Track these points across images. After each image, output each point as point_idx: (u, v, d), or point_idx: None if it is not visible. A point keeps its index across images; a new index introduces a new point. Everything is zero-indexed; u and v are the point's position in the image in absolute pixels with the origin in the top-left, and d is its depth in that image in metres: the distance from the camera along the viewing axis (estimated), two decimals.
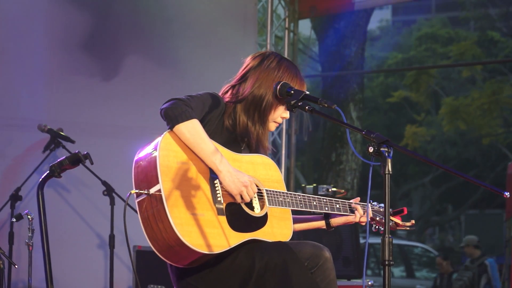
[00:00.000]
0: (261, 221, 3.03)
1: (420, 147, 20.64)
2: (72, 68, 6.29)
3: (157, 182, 2.79)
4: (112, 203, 5.56)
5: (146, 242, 4.41)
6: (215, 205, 2.90)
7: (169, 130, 2.90)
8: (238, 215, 2.96)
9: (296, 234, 3.24)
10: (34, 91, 6.12)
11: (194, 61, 6.86)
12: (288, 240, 3.08)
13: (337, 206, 3.28)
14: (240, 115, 3.11)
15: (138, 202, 2.86)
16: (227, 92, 3.17)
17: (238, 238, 2.92)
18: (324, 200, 3.25)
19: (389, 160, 2.69)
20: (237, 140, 3.16)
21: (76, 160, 3.11)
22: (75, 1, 6.34)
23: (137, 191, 2.82)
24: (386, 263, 2.66)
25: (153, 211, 2.81)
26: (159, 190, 2.77)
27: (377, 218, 3.36)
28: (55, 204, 5.97)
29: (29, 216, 4.61)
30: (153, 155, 2.84)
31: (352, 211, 3.31)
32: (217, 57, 6.75)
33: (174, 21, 6.85)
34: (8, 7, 6.05)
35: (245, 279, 2.91)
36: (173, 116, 2.86)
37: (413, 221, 3.39)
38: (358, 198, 3.39)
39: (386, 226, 2.67)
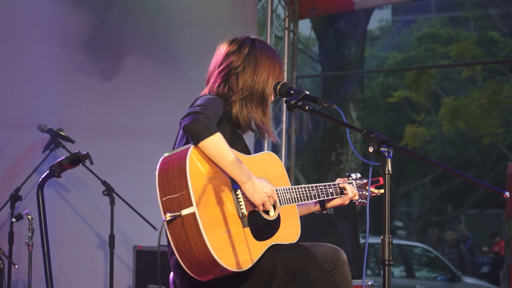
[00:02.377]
0: (276, 224, 3.04)
1: (420, 147, 20.64)
2: (72, 68, 6.28)
3: (190, 204, 2.74)
4: (112, 203, 5.55)
5: (146, 242, 4.39)
6: (240, 218, 2.89)
7: (193, 145, 2.83)
8: (258, 222, 2.96)
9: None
10: (34, 91, 6.12)
11: (194, 61, 6.84)
12: (298, 237, 3.10)
13: (330, 190, 3.31)
14: (243, 109, 3.11)
15: (170, 223, 2.78)
16: (219, 86, 3.13)
17: (261, 248, 2.92)
18: (320, 187, 3.27)
19: (389, 160, 2.69)
20: (237, 133, 3.16)
21: (76, 160, 3.12)
22: (75, 1, 6.34)
23: (171, 215, 2.73)
24: (386, 263, 2.66)
25: (187, 233, 2.75)
26: (193, 213, 2.73)
27: (361, 193, 3.41)
28: (55, 204, 5.97)
29: (29, 216, 4.60)
30: (182, 174, 2.77)
31: (342, 192, 3.34)
32: None
33: (174, 21, 6.85)
34: (8, 7, 6.05)
35: (267, 283, 2.91)
36: (198, 132, 2.80)
37: (382, 190, 3.37)
38: (345, 179, 3.41)
39: (386, 226, 2.67)
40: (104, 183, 5.56)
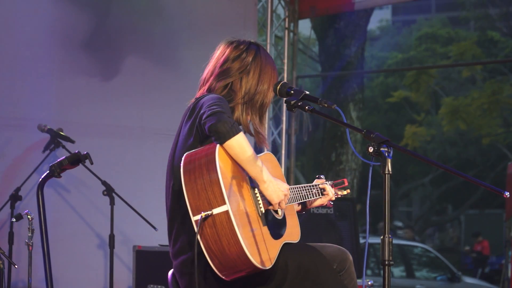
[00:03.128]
0: (284, 223, 3.09)
1: (420, 147, 20.64)
2: (72, 68, 6.28)
3: (223, 203, 2.74)
4: (112, 203, 5.55)
5: (146, 242, 4.40)
6: (260, 216, 2.92)
7: (219, 145, 2.83)
8: (272, 221, 3.00)
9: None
10: (34, 91, 6.11)
11: (194, 61, 6.82)
12: (299, 235, 3.15)
13: (314, 191, 3.36)
14: (244, 113, 3.12)
15: (196, 221, 2.77)
16: (220, 87, 3.13)
17: (277, 246, 2.95)
18: (307, 188, 3.32)
19: (389, 160, 2.68)
20: None
21: (76, 160, 3.12)
22: (76, 1, 6.34)
23: (205, 213, 2.73)
24: (386, 263, 2.66)
25: (217, 230, 2.75)
26: (227, 211, 2.74)
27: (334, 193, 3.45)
28: (55, 204, 5.97)
29: (29, 216, 4.59)
30: (212, 173, 2.78)
31: (322, 192, 3.38)
32: None
33: (174, 21, 6.85)
34: (8, 7, 6.05)
35: (280, 283, 2.93)
36: (225, 131, 2.80)
37: (348, 190, 3.52)
38: (322, 180, 3.43)
39: (386, 226, 2.67)
40: (104, 183, 5.56)
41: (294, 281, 2.92)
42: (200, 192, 2.79)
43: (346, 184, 3.48)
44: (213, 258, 2.76)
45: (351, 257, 3.13)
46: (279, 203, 2.94)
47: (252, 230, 2.83)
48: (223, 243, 2.74)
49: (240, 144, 2.82)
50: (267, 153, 3.22)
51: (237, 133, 2.82)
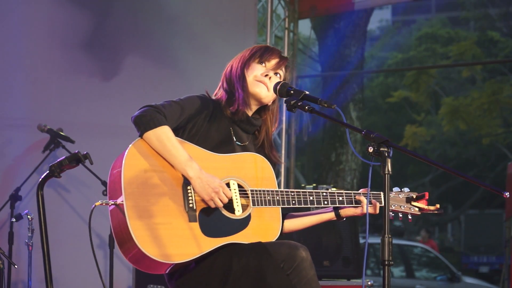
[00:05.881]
0: (243, 223, 3.00)
1: (420, 147, 20.64)
2: (72, 68, 6.28)
3: (121, 194, 2.82)
4: None
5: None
6: (187, 212, 2.89)
7: (139, 137, 2.92)
8: (214, 219, 2.94)
9: (297, 234, 3.24)
10: (34, 91, 6.12)
11: (194, 61, 6.85)
12: (272, 239, 3.04)
13: (340, 198, 3.18)
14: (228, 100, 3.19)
15: (110, 211, 2.92)
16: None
17: (211, 244, 2.89)
18: (324, 193, 3.16)
19: (388, 160, 2.68)
20: (230, 137, 3.14)
21: (76, 160, 3.11)
22: (76, 1, 6.34)
23: (101, 202, 2.91)
24: (386, 263, 2.66)
25: (119, 222, 2.85)
26: (122, 204, 2.81)
27: (392, 207, 3.24)
28: (55, 204, 5.97)
29: (28, 216, 4.61)
30: (119, 166, 2.89)
31: (358, 202, 3.20)
32: (217, 57, 6.74)
33: (174, 21, 6.85)
34: (8, 7, 6.05)
35: (223, 282, 2.91)
36: (141, 123, 2.89)
37: (437, 205, 3.26)
38: (366, 189, 3.20)
39: (386, 226, 2.66)
40: (104, 183, 5.56)
41: (237, 280, 2.89)
42: (111, 185, 2.94)
43: (427, 197, 3.23)
44: (124, 252, 2.88)
45: (303, 254, 2.92)
46: (212, 200, 2.91)
47: (164, 224, 2.83)
48: (124, 235, 2.83)
49: (157, 137, 2.88)
50: (248, 154, 3.13)
51: (155, 126, 2.87)
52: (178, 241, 2.84)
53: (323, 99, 2.94)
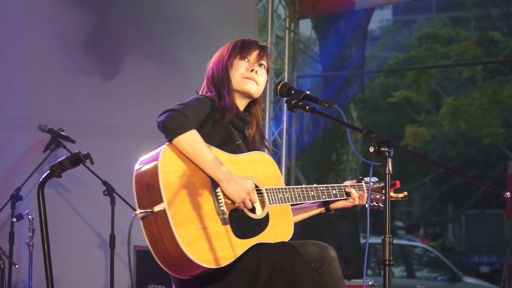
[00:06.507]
0: (264, 223, 3.03)
1: (421, 147, 20.63)
2: (73, 68, 6.29)
3: (161, 201, 2.77)
4: (113, 203, 5.56)
5: (146, 242, 4.35)
6: (219, 215, 2.89)
7: (168, 143, 2.88)
8: (241, 221, 2.95)
9: (297, 234, 3.24)
10: (34, 91, 6.12)
11: (194, 61, 6.83)
12: (290, 236, 3.08)
13: (334, 192, 3.27)
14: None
15: (143, 219, 2.84)
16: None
17: (243, 245, 2.91)
18: (321, 188, 3.24)
19: (389, 160, 2.69)
20: (232, 133, 3.16)
21: (76, 160, 3.10)
22: (76, 1, 6.34)
23: (142, 211, 2.79)
24: (387, 263, 2.66)
25: (159, 229, 2.79)
26: (164, 210, 2.76)
27: (373, 196, 3.37)
28: (56, 204, 5.97)
29: (29, 216, 4.61)
30: (154, 171, 2.81)
31: (348, 194, 3.30)
32: None
33: (174, 21, 6.85)
34: (8, 7, 6.05)
35: (252, 283, 2.90)
36: (171, 128, 2.84)
37: (405, 193, 3.42)
38: (354, 181, 3.38)
39: (386, 226, 2.66)
40: (105, 183, 5.56)
41: (267, 280, 2.88)
42: (144, 191, 2.83)
43: (398, 186, 3.35)
44: (159, 256, 2.81)
45: (333, 253, 3.02)
46: (243, 203, 2.92)
47: (204, 229, 2.81)
48: (164, 240, 2.77)
49: (188, 141, 2.84)
50: (256, 153, 3.16)
51: (186, 130, 2.84)
52: (218, 245, 2.83)
53: (323, 99, 2.95)
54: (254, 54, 3.20)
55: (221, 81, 3.15)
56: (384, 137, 2.72)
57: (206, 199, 2.88)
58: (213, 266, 2.79)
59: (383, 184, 3.36)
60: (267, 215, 3.05)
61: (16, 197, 5.44)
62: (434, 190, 23.78)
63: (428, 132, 20.27)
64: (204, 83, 3.25)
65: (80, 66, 6.30)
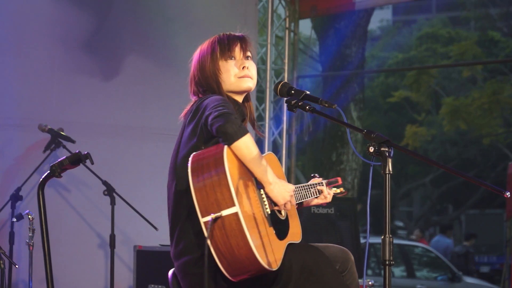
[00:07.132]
0: (287, 224, 3.07)
1: (421, 147, 20.64)
2: (73, 68, 6.28)
3: (232, 204, 2.71)
4: (113, 203, 5.56)
5: (146, 242, 4.37)
6: (265, 217, 2.89)
7: (227, 146, 2.80)
8: (276, 222, 2.98)
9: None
10: (34, 91, 6.12)
11: None
12: (301, 237, 3.14)
13: (312, 190, 3.37)
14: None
15: (205, 222, 2.75)
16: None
17: (282, 247, 2.93)
18: (306, 187, 3.33)
19: (389, 160, 2.69)
20: None
21: (76, 160, 3.11)
22: (76, 1, 6.34)
23: (215, 215, 2.70)
24: (387, 263, 2.66)
25: (226, 232, 2.73)
26: (236, 213, 2.71)
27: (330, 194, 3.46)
28: (56, 204, 5.97)
29: (29, 216, 4.60)
30: (221, 174, 2.75)
31: (320, 192, 3.39)
32: None
33: (174, 21, 6.84)
34: (8, 7, 6.05)
35: (285, 283, 2.91)
36: (233, 132, 2.77)
37: (342, 189, 3.51)
38: (320, 179, 3.44)
39: (387, 225, 2.67)
40: (105, 183, 5.56)
41: (298, 282, 2.90)
42: (208, 193, 2.76)
43: (340, 182, 3.46)
44: (221, 259, 2.75)
45: (352, 258, 3.14)
46: (285, 204, 2.93)
47: (259, 232, 2.80)
48: (232, 245, 2.72)
49: (247, 145, 2.80)
50: (269, 153, 3.23)
51: (244, 134, 2.79)
52: (269, 247, 2.83)
53: (323, 99, 2.95)
54: (237, 49, 3.12)
55: (211, 89, 3.10)
56: (384, 137, 2.72)
57: (256, 201, 2.87)
58: (273, 268, 2.78)
59: (325, 181, 3.45)
60: (287, 216, 3.10)
61: (16, 197, 5.44)
62: (434, 190, 23.78)
63: (428, 132, 20.28)
64: (192, 88, 3.16)
65: (80, 66, 6.30)
